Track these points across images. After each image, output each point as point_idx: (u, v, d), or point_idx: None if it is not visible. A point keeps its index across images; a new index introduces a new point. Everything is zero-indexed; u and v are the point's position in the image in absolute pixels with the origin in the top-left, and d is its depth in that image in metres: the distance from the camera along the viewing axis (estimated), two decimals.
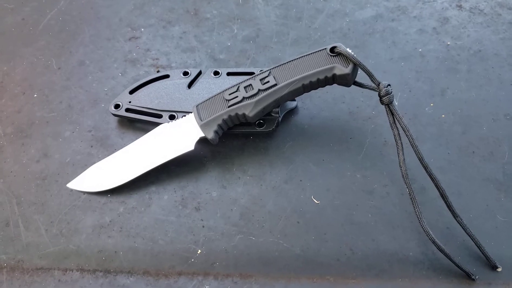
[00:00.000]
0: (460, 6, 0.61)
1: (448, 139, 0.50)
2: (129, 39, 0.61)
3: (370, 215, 0.45)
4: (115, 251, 0.44)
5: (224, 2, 0.64)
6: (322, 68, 0.45)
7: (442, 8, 0.61)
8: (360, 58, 0.46)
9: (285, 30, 0.61)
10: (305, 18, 0.62)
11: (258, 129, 0.49)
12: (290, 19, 0.62)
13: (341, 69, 0.44)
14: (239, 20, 0.62)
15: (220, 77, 0.53)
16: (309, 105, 0.53)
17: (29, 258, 0.44)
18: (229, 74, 0.53)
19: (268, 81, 0.46)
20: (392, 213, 0.45)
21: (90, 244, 0.45)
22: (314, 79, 0.45)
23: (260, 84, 0.46)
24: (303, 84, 0.45)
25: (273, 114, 0.49)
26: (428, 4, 0.62)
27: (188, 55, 0.59)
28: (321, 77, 0.45)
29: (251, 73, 0.53)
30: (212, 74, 0.53)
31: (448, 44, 0.58)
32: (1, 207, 0.47)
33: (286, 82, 0.45)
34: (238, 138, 0.51)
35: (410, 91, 0.54)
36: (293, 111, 0.52)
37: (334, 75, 0.45)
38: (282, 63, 0.47)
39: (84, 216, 0.46)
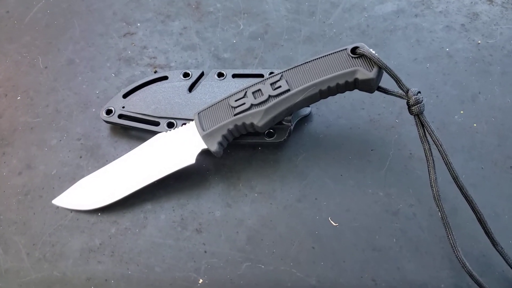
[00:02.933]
0: (491, 0, 0.55)
1: (481, 152, 0.44)
2: (124, 35, 0.55)
3: (394, 240, 0.40)
4: (106, 279, 0.39)
5: None
6: (342, 71, 0.39)
7: (471, 3, 0.55)
8: (381, 57, 0.40)
9: (297, 26, 0.55)
10: (318, 13, 0.56)
11: (268, 140, 0.44)
12: (302, 14, 0.56)
13: (364, 73, 0.39)
14: (246, 15, 0.56)
15: (224, 80, 0.47)
16: (324, 111, 0.47)
17: (7, 287, 0.39)
18: (234, 76, 0.47)
19: (280, 86, 0.40)
20: (420, 238, 0.40)
21: (78, 271, 0.39)
22: (332, 84, 0.39)
23: (271, 89, 0.40)
24: (320, 90, 0.40)
25: (284, 123, 0.44)
26: None
27: (189, 54, 0.53)
28: (341, 82, 0.39)
29: (260, 75, 0.47)
30: (216, 76, 0.47)
31: (479, 43, 0.52)
32: None
33: (300, 88, 0.40)
34: (244, 149, 0.45)
35: (437, 96, 0.48)
36: (306, 118, 0.47)
37: (356, 79, 0.39)
38: (296, 65, 0.41)
39: (71, 238, 0.41)
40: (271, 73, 0.47)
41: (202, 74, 0.48)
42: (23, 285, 0.39)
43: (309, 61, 0.41)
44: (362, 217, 0.41)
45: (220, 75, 0.47)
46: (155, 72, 0.51)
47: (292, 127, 0.44)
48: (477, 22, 0.54)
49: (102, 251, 0.40)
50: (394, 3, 0.56)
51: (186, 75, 0.48)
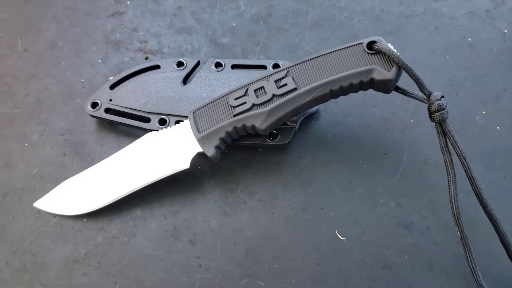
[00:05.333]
0: None
1: (504, 159, 0.40)
2: (112, 15, 0.50)
3: (406, 256, 0.37)
4: None
5: None
6: (357, 70, 0.35)
7: None
8: (396, 48, 0.36)
9: (304, 8, 0.49)
10: None
11: (270, 142, 0.39)
12: None
13: (382, 72, 0.34)
14: None
15: (223, 71, 0.42)
16: (332, 108, 0.43)
17: None
18: (234, 66, 0.43)
19: (286, 84, 0.36)
20: (434, 254, 0.37)
21: (61, 284, 0.36)
22: (345, 84, 0.35)
23: (275, 87, 0.36)
24: (330, 90, 0.35)
25: (289, 123, 0.40)
26: None
27: (183, 38, 0.48)
28: (355, 81, 0.35)
29: (263, 67, 0.43)
30: (213, 67, 0.43)
31: (505, 33, 0.47)
32: None
33: (309, 87, 0.35)
34: (244, 149, 0.41)
35: (457, 93, 0.44)
36: (313, 116, 0.42)
37: (372, 79, 0.35)
38: (304, 59, 0.36)
39: (54, 246, 0.38)
40: (275, 65, 0.42)
41: (198, 64, 0.43)
42: None
43: (319, 56, 0.36)
44: (371, 230, 0.37)
45: (218, 65, 0.43)
46: (146, 58, 0.47)
47: (297, 127, 0.40)
48: (504, 8, 0.48)
49: (88, 262, 0.37)
50: None
51: (180, 64, 0.43)
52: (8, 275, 0.36)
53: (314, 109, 0.42)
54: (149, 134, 0.39)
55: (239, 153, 0.41)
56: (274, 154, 0.41)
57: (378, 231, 0.37)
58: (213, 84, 0.42)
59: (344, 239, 0.37)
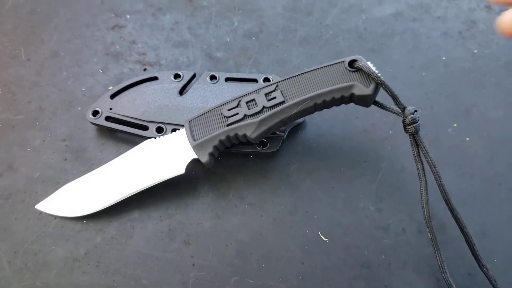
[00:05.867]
0: (489, 8, 0.54)
1: (473, 167, 0.44)
2: (112, 28, 0.52)
3: (383, 256, 0.40)
4: None
5: None
6: (339, 86, 0.38)
7: (469, 9, 0.54)
8: (378, 64, 0.39)
9: (293, 25, 0.53)
10: (316, 12, 0.54)
11: (260, 149, 0.43)
12: (299, 13, 0.54)
13: (361, 88, 0.38)
14: (241, 11, 0.54)
15: (217, 83, 0.45)
16: (318, 119, 0.46)
17: None
18: (227, 79, 0.46)
19: (275, 97, 0.39)
20: (408, 255, 0.40)
21: (61, 282, 0.38)
22: (328, 98, 0.38)
23: (265, 100, 0.39)
24: (315, 103, 0.39)
25: (278, 132, 0.43)
26: (453, 2, 0.55)
27: (180, 51, 0.51)
28: (337, 96, 0.38)
29: (254, 80, 0.46)
30: (208, 79, 0.46)
31: (475, 53, 0.51)
32: None
33: (296, 100, 0.38)
34: (236, 156, 0.44)
35: (431, 107, 0.47)
36: (299, 126, 0.46)
37: (352, 94, 0.38)
38: (292, 75, 0.40)
39: (55, 246, 0.40)
40: (265, 78, 0.46)
41: (193, 76, 0.46)
42: None
43: (305, 72, 0.39)
44: (352, 232, 0.41)
45: (213, 78, 0.46)
46: (145, 70, 0.49)
47: (285, 136, 0.44)
48: (475, 30, 0.53)
49: (87, 261, 0.39)
50: (393, 5, 0.54)
51: (177, 76, 0.46)
52: (11, 273, 0.39)
53: (300, 120, 0.45)
54: (147, 141, 0.42)
55: (231, 160, 0.44)
56: (264, 161, 0.44)
57: (358, 233, 0.41)
58: (207, 95, 0.45)
59: (327, 240, 0.40)
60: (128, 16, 0.53)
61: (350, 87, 0.38)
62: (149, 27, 0.52)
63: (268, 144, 0.43)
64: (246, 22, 0.53)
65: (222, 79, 0.46)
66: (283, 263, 0.39)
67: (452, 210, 0.37)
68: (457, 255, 0.40)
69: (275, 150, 0.43)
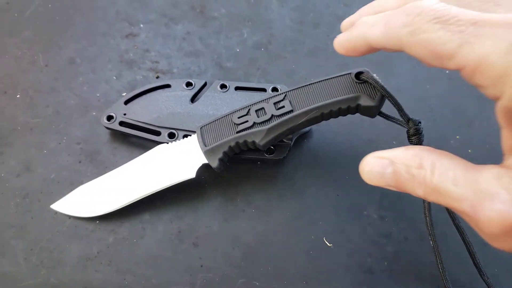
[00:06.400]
0: None
1: None
2: (126, 36, 0.54)
3: (386, 263, 0.41)
4: None
5: (234, 0, 0.58)
6: (346, 96, 0.40)
7: None
8: (382, 77, 0.41)
9: (301, 38, 0.55)
10: (323, 25, 0.56)
11: (267, 156, 0.44)
12: (307, 25, 0.56)
13: (367, 100, 0.39)
14: (250, 22, 0.56)
15: (227, 92, 0.47)
16: (324, 128, 0.48)
17: None
18: (237, 88, 0.48)
19: (283, 106, 0.40)
20: (410, 262, 0.41)
21: (75, 279, 0.40)
22: (335, 108, 0.40)
23: (274, 108, 0.41)
24: (322, 113, 0.40)
25: (285, 140, 0.44)
26: None
27: (191, 60, 0.53)
28: (344, 106, 0.40)
29: (263, 89, 0.47)
30: (219, 88, 0.47)
31: None
32: None
33: (303, 110, 0.40)
34: (243, 162, 0.46)
35: (434, 120, 0.49)
36: (306, 134, 0.47)
37: (358, 105, 0.40)
38: (300, 85, 0.41)
39: (69, 244, 0.41)
40: (273, 88, 0.47)
41: (205, 85, 0.48)
42: None
43: (313, 83, 0.41)
44: (356, 239, 0.42)
45: (223, 86, 0.47)
46: (157, 77, 0.51)
47: (292, 144, 0.45)
48: None
49: (100, 260, 0.41)
50: None
51: (189, 84, 0.48)
52: (27, 270, 0.40)
53: (307, 129, 0.47)
54: (160, 146, 0.43)
55: (239, 166, 0.45)
56: (271, 168, 0.45)
57: (362, 239, 0.42)
58: (218, 103, 0.46)
59: (331, 246, 0.42)
60: (141, 25, 0.55)
61: (357, 98, 0.39)
62: (161, 36, 0.54)
63: (275, 152, 0.44)
64: (255, 34, 0.55)
65: (232, 88, 0.47)
66: (288, 267, 0.40)
67: (453, 219, 0.38)
68: (458, 263, 0.41)
69: (282, 157, 0.44)
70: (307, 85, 0.41)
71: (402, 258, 0.41)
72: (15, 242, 0.41)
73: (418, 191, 0.27)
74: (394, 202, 0.44)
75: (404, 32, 0.27)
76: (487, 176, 0.25)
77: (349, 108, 0.40)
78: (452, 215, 0.38)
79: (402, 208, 0.43)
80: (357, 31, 0.31)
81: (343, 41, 0.32)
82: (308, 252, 0.41)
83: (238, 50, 0.53)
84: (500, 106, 0.24)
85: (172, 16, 0.56)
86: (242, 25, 0.55)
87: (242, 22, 0.56)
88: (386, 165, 0.29)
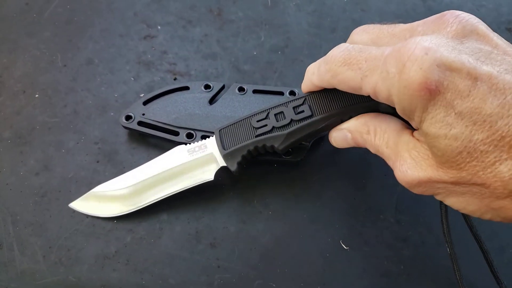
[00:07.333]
0: (509, 30, 0.56)
1: None
2: (144, 38, 0.55)
3: (402, 267, 0.41)
4: (120, 287, 0.40)
5: (251, 3, 0.58)
6: (366, 103, 0.40)
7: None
8: None
9: (317, 41, 0.55)
10: (339, 30, 0.56)
11: (285, 158, 0.44)
12: (324, 29, 0.56)
13: (386, 105, 0.39)
14: (267, 26, 0.56)
15: (245, 94, 0.48)
16: None
17: None
18: (255, 91, 0.48)
19: (303, 111, 0.41)
20: (427, 266, 0.41)
21: (93, 277, 0.40)
22: (354, 114, 0.40)
23: (293, 113, 0.41)
24: (341, 119, 0.40)
25: (303, 142, 0.45)
26: None
27: (209, 63, 0.53)
28: (363, 112, 0.40)
29: (280, 93, 0.48)
30: (237, 90, 0.48)
31: None
32: None
33: (323, 115, 0.40)
34: (261, 165, 0.46)
35: None
36: (323, 137, 0.47)
37: (377, 111, 0.40)
38: (319, 90, 0.41)
39: (87, 243, 0.42)
40: (291, 92, 0.48)
41: (223, 87, 0.48)
42: (39, 287, 0.40)
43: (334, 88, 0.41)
44: (372, 242, 0.42)
45: (241, 89, 0.48)
46: (175, 79, 0.52)
47: (309, 147, 0.45)
48: None
49: (117, 259, 0.41)
50: None
51: (207, 87, 0.48)
52: (46, 267, 0.40)
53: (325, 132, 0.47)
54: (178, 147, 0.44)
55: (256, 168, 0.46)
56: (288, 170, 0.46)
57: (379, 243, 0.42)
58: (236, 105, 0.47)
59: (348, 249, 0.42)
60: (159, 27, 0.56)
61: (377, 103, 0.39)
62: (179, 39, 0.55)
63: (293, 154, 0.45)
64: (272, 37, 0.55)
65: (250, 91, 0.48)
66: (305, 269, 0.41)
67: (471, 228, 0.38)
68: (476, 270, 0.41)
69: (299, 159, 0.44)
70: (327, 90, 0.41)
71: (418, 262, 0.41)
72: (35, 240, 0.42)
73: (371, 150, 0.36)
74: (411, 206, 0.44)
75: (328, 76, 0.35)
76: (403, 141, 0.32)
77: None
78: (469, 223, 0.38)
79: (418, 212, 0.44)
80: (306, 77, 0.39)
81: (303, 84, 0.41)
82: (325, 254, 0.41)
83: (255, 53, 0.54)
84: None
85: (190, 18, 0.57)
86: (259, 28, 0.56)
87: (259, 26, 0.56)
88: (345, 134, 0.38)
